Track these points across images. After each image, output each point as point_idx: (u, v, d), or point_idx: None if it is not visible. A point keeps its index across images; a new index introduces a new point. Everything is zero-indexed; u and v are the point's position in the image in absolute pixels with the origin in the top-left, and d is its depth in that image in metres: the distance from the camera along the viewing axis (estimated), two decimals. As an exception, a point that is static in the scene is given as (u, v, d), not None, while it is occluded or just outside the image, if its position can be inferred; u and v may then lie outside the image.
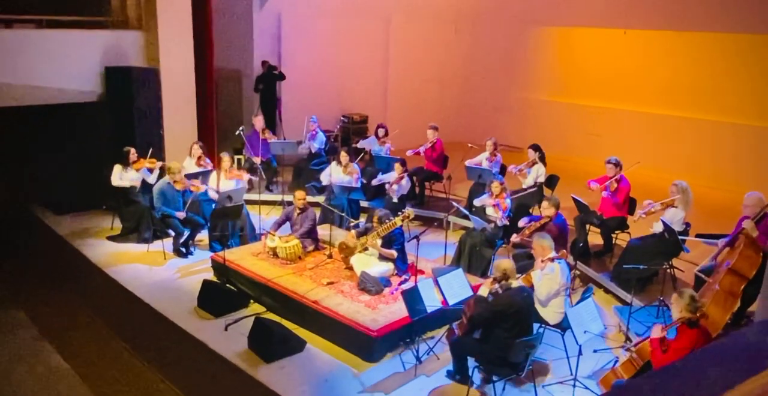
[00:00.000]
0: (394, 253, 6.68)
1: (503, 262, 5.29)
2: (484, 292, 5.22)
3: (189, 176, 8.19)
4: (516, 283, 5.20)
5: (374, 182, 9.07)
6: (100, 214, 9.32)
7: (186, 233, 7.98)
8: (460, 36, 14.03)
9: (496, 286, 5.18)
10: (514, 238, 7.00)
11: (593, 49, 12.91)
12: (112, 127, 9.44)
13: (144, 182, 8.47)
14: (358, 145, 10.46)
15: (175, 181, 7.90)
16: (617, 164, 7.59)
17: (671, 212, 6.82)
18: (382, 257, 6.72)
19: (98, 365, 6.82)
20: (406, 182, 8.69)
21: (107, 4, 9.79)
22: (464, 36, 14.08)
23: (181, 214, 7.83)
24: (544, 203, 6.86)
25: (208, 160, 8.88)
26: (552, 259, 5.60)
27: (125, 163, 8.37)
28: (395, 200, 8.61)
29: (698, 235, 6.72)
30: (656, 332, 4.60)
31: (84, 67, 9.19)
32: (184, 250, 8.02)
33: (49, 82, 8.87)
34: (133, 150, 8.42)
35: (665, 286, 6.55)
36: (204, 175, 8.48)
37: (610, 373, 5.06)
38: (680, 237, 6.47)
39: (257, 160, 9.57)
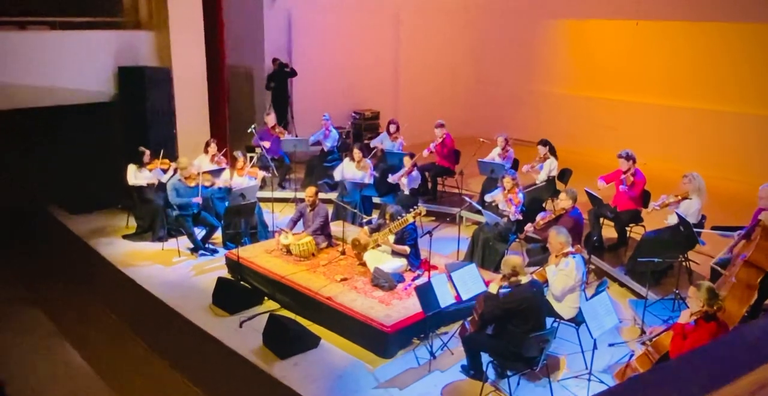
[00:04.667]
0: (406, 249, 6.68)
1: (512, 258, 5.24)
2: (493, 289, 5.18)
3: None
4: (526, 278, 5.15)
5: (390, 180, 8.98)
6: (115, 213, 9.40)
7: (202, 232, 8.06)
8: (470, 30, 13.97)
9: (506, 283, 5.15)
10: (528, 227, 6.99)
11: (605, 41, 12.80)
12: (125, 127, 9.52)
13: (158, 182, 8.54)
14: (370, 144, 10.45)
15: (186, 178, 7.94)
16: (629, 157, 7.49)
17: (686, 204, 6.76)
18: (396, 253, 6.72)
19: (114, 362, 6.90)
20: (416, 174, 8.68)
21: (119, 4, 9.87)
22: (475, 29, 14.01)
23: (198, 199, 7.85)
24: (562, 195, 6.83)
25: (221, 157, 8.92)
26: (567, 254, 5.56)
27: (139, 163, 8.44)
28: (407, 192, 8.62)
29: (714, 228, 6.65)
30: (684, 318, 4.59)
31: (97, 67, 9.26)
32: (211, 246, 8.11)
33: (64, 83, 8.96)
34: (147, 151, 8.49)
35: (680, 279, 6.49)
36: (216, 173, 8.52)
37: (626, 366, 5.03)
38: (695, 229, 6.41)
39: (266, 144, 9.59)
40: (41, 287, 8.56)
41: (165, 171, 8.57)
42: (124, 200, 9.15)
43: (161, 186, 8.52)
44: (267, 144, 9.66)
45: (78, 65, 9.05)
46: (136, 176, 8.44)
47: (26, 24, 9.03)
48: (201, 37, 9.85)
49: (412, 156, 8.67)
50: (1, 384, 5.01)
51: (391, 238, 6.70)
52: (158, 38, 9.73)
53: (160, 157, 8.59)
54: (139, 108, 9.28)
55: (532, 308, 5.05)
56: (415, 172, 8.67)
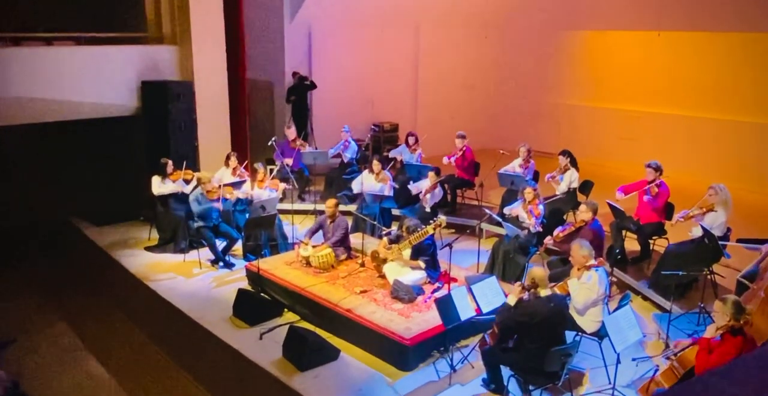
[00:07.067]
0: (420, 263, 6.66)
1: (536, 270, 5.21)
2: (512, 300, 5.14)
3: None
4: (545, 291, 5.10)
5: (412, 190, 8.96)
6: (137, 225, 9.50)
7: (223, 244, 8.10)
8: (490, 42, 13.99)
9: (525, 294, 5.10)
10: (547, 240, 6.92)
11: (624, 53, 12.74)
12: (148, 140, 9.64)
13: (180, 193, 8.63)
14: (389, 155, 10.48)
15: (207, 192, 8.02)
16: (657, 168, 7.40)
17: (711, 216, 6.66)
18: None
19: (136, 373, 6.95)
20: (438, 191, 8.66)
21: (143, 20, 10.04)
22: (494, 42, 14.04)
23: (218, 204, 7.90)
24: (582, 207, 6.76)
25: (243, 170, 9.00)
26: (589, 267, 5.50)
27: (163, 174, 8.54)
28: (428, 209, 8.58)
29: (739, 240, 6.55)
30: (710, 332, 4.52)
31: (121, 82, 9.41)
32: (229, 259, 8.12)
33: (89, 97, 9.12)
34: (170, 162, 8.59)
35: (706, 293, 6.38)
36: (237, 185, 8.59)
37: (650, 382, 4.94)
38: (720, 242, 6.30)
39: (289, 162, 9.64)
40: (65, 299, 8.66)
41: (188, 182, 8.67)
42: (146, 212, 9.26)
43: (183, 197, 8.60)
44: (290, 161, 9.66)
45: (102, 80, 9.21)
46: (160, 186, 8.53)
47: (52, 40, 9.23)
48: (222, 51, 9.99)
49: (437, 172, 8.61)
50: (15, 383, 5.06)
51: (408, 251, 6.68)
52: (181, 53, 9.88)
53: (183, 168, 8.70)
54: (162, 121, 9.40)
55: (547, 322, 4.96)
56: (437, 189, 8.63)
